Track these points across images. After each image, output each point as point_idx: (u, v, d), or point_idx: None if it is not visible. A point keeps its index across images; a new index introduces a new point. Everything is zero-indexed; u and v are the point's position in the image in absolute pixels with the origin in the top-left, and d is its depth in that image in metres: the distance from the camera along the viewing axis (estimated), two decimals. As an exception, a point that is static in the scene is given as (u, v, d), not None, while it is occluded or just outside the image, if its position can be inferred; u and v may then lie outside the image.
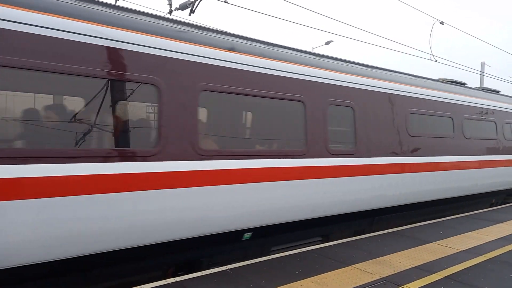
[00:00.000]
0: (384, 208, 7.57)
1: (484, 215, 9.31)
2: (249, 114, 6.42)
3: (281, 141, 6.11)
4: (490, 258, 5.83)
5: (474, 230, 7.68)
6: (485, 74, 20.35)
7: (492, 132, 10.79)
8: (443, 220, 8.51)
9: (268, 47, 6.23)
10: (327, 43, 21.36)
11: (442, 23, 11.77)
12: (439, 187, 8.78)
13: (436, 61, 12.05)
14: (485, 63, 20.80)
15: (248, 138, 6.02)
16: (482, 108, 10.46)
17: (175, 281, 4.53)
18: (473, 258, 5.82)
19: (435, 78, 10.14)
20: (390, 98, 7.74)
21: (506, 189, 11.65)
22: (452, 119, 9.23)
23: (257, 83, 5.67)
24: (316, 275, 4.86)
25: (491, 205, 11.56)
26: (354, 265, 5.28)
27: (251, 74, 5.62)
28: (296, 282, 4.60)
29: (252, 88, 5.60)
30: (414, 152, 8.05)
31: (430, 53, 11.81)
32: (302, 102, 6.17)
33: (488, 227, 7.96)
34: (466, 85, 10.88)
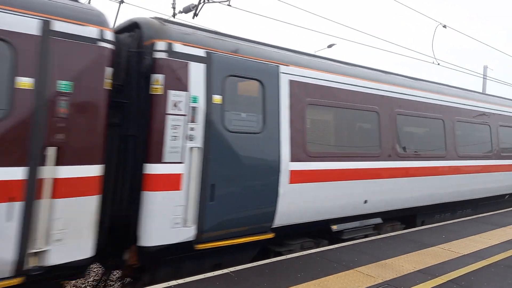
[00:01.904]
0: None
1: (487, 219, 9.27)
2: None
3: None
4: (493, 262, 5.81)
5: (477, 234, 7.65)
6: (487, 78, 20.32)
7: None
8: (446, 224, 8.48)
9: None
10: (330, 46, 21.37)
11: (445, 26, 11.78)
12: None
13: (439, 64, 12.05)
14: (488, 66, 20.78)
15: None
16: None
17: (177, 283, 4.53)
18: (476, 262, 5.80)
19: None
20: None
21: None
22: None
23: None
24: (318, 278, 4.85)
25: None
26: (356, 269, 5.27)
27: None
28: (299, 285, 4.59)
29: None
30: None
31: (433, 56, 11.82)
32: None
33: (491, 231, 7.93)
34: None
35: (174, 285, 4.47)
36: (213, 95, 5.12)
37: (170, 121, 4.76)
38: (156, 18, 5.26)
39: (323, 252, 5.97)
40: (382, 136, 7.33)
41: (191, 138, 4.91)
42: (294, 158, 5.92)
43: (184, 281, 4.59)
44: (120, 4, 8.13)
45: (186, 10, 9.47)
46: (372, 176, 7.06)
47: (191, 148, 4.91)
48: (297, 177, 5.94)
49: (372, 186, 7.05)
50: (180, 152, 4.84)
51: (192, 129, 4.93)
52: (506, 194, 11.48)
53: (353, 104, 6.92)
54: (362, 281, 4.82)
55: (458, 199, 9.32)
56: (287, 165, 5.82)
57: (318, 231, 6.79)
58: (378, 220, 7.50)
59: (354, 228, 7.13)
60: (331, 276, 4.96)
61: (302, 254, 5.87)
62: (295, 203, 5.96)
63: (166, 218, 4.75)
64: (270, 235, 5.77)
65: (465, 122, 9.48)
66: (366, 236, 7.26)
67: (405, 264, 5.57)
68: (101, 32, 4.28)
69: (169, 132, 4.75)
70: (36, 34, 3.85)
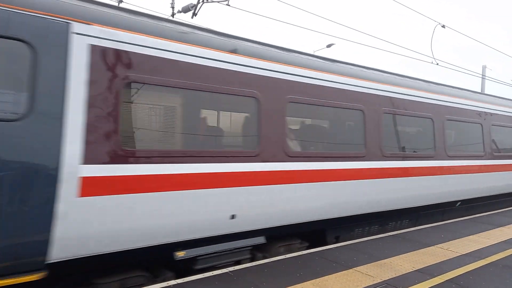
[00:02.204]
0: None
1: (485, 219, 9.29)
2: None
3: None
4: (491, 262, 5.82)
5: (476, 233, 7.66)
6: (486, 78, 20.35)
7: None
8: (444, 224, 8.49)
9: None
10: (329, 46, 21.39)
11: (443, 26, 11.79)
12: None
13: (437, 64, 12.06)
14: (486, 66, 20.82)
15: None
16: None
17: (176, 283, 4.53)
18: (474, 261, 5.81)
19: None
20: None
21: None
22: None
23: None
24: (317, 277, 4.86)
25: None
26: (355, 268, 5.28)
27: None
28: (297, 285, 4.60)
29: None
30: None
31: (432, 56, 11.84)
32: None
33: (489, 231, 7.95)
34: None
35: (173, 285, 4.47)
36: None
37: None
38: None
39: (322, 252, 5.97)
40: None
41: None
42: (90, 159, 4.10)
43: (183, 281, 4.59)
44: (118, 4, 8.13)
45: (185, 10, 9.46)
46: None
47: None
48: (97, 187, 4.13)
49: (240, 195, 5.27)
50: None
51: None
52: (456, 202, 9.48)
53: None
54: (361, 281, 4.83)
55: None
56: (75, 170, 3.99)
57: (151, 261, 5.13)
58: (259, 240, 5.70)
59: (214, 253, 5.23)
60: (330, 275, 4.96)
61: (301, 253, 5.87)
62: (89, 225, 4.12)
63: None
64: (38, 275, 3.88)
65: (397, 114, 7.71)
66: (238, 263, 5.49)
67: (404, 263, 5.58)
68: None
69: None
70: None
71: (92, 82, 4.18)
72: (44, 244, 3.86)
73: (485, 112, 10.26)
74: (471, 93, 10.40)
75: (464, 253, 6.25)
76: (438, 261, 5.74)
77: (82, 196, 4.03)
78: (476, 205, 10.49)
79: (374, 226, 7.72)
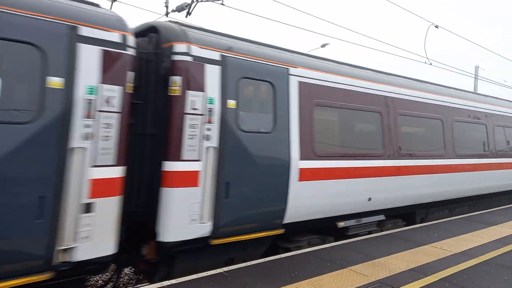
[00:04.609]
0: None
1: (479, 218, 9.36)
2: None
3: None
4: (484, 261, 5.87)
5: (469, 232, 7.72)
6: (479, 78, 20.51)
7: None
8: (438, 223, 8.55)
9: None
10: (323, 46, 21.42)
11: (437, 26, 11.86)
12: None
13: (431, 64, 12.13)
14: (479, 66, 20.98)
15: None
16: None
17: (170, 283, 4.51)
18: (467, 260, 5.85)
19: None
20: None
21: None
22: None
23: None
24: (311, 277, 4.86)
25: None
26: (349, 267, 5.29)
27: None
28: (292, 284, 4.60)
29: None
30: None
31: (425, 56, 11.90)
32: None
33: (482, 230, 8.01)
34: None
35: (167, 285, 4.45)
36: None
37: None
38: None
39: (317, 251, 5.98)
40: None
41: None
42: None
43: (177, 281, 4.57)
44: (112, 3, 8.06)
45: (179, 9, 9.42)
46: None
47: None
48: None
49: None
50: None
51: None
52: None
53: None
54: (355, 280, 4.84)
55: None
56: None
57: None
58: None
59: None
60: (324, 275, 4.97)
61: (296, 253, 5.88)
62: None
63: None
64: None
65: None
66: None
67: (398, 262, 5.60)
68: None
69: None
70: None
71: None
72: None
73: None
74: None
75: (457, 252, 6.29)
76: (432, 260, 5.77)
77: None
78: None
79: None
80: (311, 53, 9.13)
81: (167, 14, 9.21)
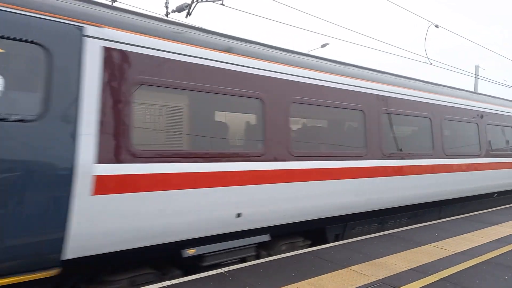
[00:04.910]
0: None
1: (479, 217, 9.36)
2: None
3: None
4: (485, 260, 5.86)
5: (469, 232, 7.71)
6: (479, 77, 20.51)
7: None
8: (438, 222, 8.54)
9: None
10: (323, 45, 21.43)
11: (437, 26, 11.86)
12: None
13: (431, 64, 12.13)
14: (479, 66, 20.98)
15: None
16: None
17: (171, 283, 4.51)
18: (468, 260, 5.85)
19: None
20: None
21: None
22: None
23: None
24: (312, 277, 4.86)
25: None
26: (350, 267, 5.29)
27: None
28: (293, 284, 4.60)
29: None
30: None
31: (426, 56, 11.90)
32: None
33: (483, 229, 8.00)
34: None
35: (167, 285, 4.45)
36: None
37: None
38: None
39: (317, 251, 5.98)
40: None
41: None
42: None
43: (178, 281, 4.58)
44: (112, 3, 8.08)
45: (179, 9, 9.43)
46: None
47: None
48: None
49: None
50: None
51: None
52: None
53: None
54: (355, 280, 4.84)
55: None
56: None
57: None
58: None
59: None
60: (324, 275, 4.97)
61: (296, 253, 5.88)
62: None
63: None
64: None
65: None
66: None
67: (399, 262, 5.60)
68: None
69: None
70: None
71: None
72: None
73: None
74: None
75: (458, 251, 6.29)
76: (432, 260, 5.77)
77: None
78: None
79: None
80: (311, 53, 9.03)
81: (167, 14, 9.21)
